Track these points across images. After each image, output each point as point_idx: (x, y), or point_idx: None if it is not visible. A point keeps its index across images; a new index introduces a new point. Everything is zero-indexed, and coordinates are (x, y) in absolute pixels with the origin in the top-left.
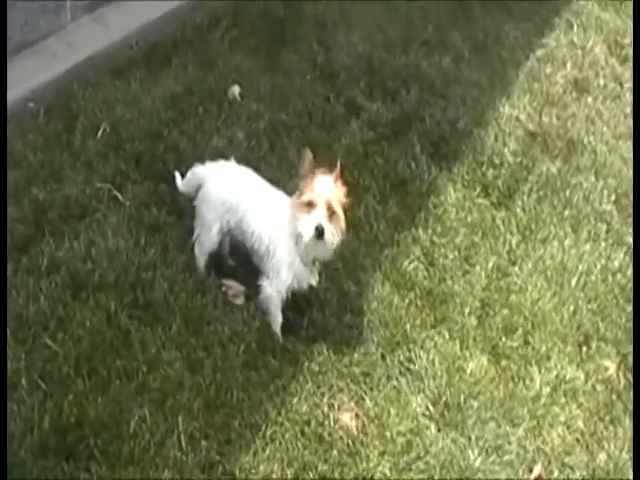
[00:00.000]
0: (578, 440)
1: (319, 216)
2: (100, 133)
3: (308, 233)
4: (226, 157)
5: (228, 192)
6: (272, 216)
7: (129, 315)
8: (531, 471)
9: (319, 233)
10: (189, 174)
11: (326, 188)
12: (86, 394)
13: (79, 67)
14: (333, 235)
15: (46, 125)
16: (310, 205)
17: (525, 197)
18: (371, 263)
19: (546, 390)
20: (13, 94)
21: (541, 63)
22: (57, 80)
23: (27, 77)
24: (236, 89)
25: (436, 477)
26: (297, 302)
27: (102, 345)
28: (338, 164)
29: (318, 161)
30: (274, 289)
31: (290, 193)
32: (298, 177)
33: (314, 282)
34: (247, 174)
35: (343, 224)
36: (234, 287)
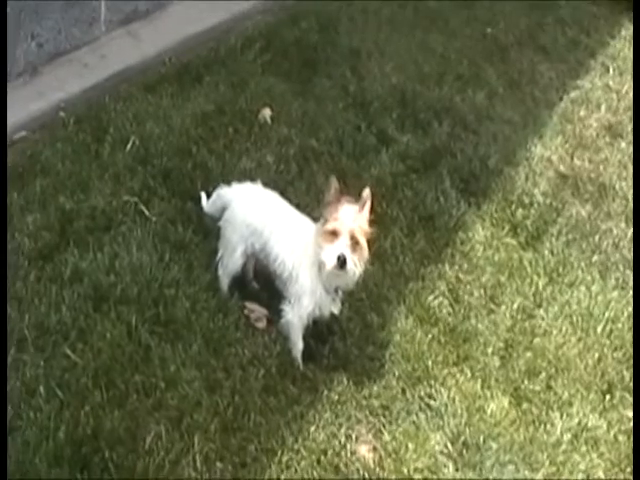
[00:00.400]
0: None
1: (342, 246)
2: (129, 146)
3: (330, 262)
4: (254, 179)
5: (253, 215)
6: (296, 242)
7: (150, 331)
8: None
9: (341, 263)
10: (214, 195)
11: (350, 217)
12: (103, 406)
13: (111, 79)
14: (355, 265)
15: (76, 135)
16: (334, 234)
17: (554, 239)
18: (395, 296)
19: (567, 437)
20: (44, 103)
21: (575, 105)
22: (89, 91)
23: (58, 86)
24: (267, 112)
25: None
26: (319, 330)
27: (121, 359)
28: (366, 192)
29: (346, 190)
30: (295, 315)
31: (317, 219)
32: (323, 204)
33: (336, 310)
34: (273, 197)
35: (366, 254)
36: (256, 310)
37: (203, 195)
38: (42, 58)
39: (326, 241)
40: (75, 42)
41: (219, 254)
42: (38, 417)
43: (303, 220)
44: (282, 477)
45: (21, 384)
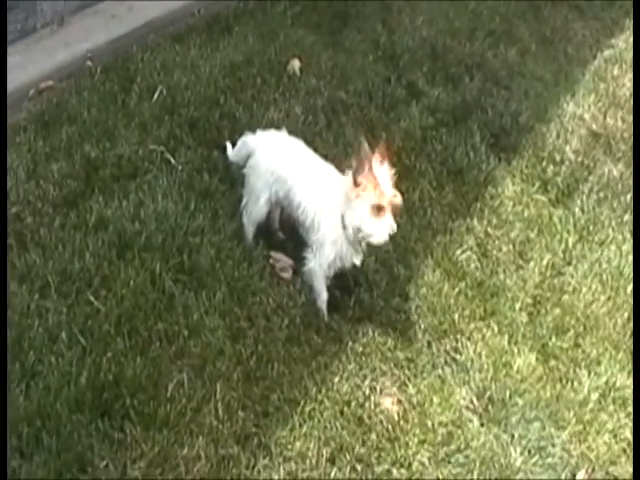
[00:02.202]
0: (624, 450)
1: (391, 220)
2: (156, 96)
3: (382, 237)
4: (281, 128)
5: (278, 162)
6: (320, 190)
7: (174, 279)
8: (574, 477)
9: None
10: (239, 143)
11: (388, 184)
12: (125, 353)
13: (138, 30)
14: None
15: (102, 84)
16: (379, 208)
17: (584, 197)
18: (423, 249)
19: (594, 395)
20: (71, 52)
21: (608, 64)
22: (116, 41)
23: (85, 37)
24: (296, 63)
25: (475, 472)
26: (345, 281)
27: (145, 306)
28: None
29: (374, 142)
30: (317, 263)
31: (344, 171)
32: (354, 162)
33: (357, 262)
34: (298, 145)
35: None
36: (282, 260)
37: (228, 144)
38: (69, 9)
39: (373, 214)
40: None
41: (244, 202)
42: (60, 363)
43: (327, 168)
44: (304, 427)
45: (44, 330)
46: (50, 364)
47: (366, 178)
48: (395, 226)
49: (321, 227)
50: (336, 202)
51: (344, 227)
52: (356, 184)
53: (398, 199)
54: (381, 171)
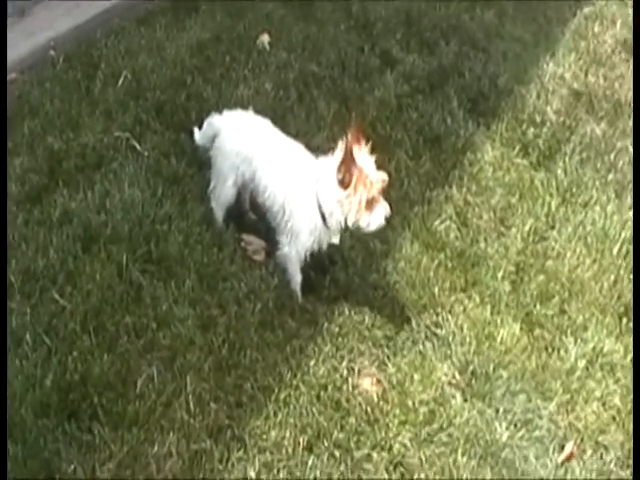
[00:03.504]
0: (614, 418)
1: (385, 208)
2: (121, 81)
3: (379, 224)
4: (248, 107)
5: (243, 142)
6: (289, 174)
7: (141, 269)
8: (562, 449)
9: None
10: (205, 124)
11: (375, 173)
12: (92, 351)
13: (102, 15)
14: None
15: (65, 73)
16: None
17: (567, 158)
18: (400, 221)
19: (581, 363)
20: (33, 43)
21: (589, 21)
22: (79, 28)
23: (47, 26)
24: (265, 38)
25: (459, 451)
26: (319, 260)
27: (111, 300)
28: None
29: (348, 114)
30: (292, 249)
31: (317, 147)
32: (338, 154)
33: (336, 241)
34: (265, 125)
35: None
36: (254, 242)
37: (195, 129)
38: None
39: (367, 208)
40: None
41: (211, 185)
42: (24, 366)
43: (297, 149)
44: (279, 415)
45: (7, 333)
46: (14, 368)
47: (352, 174)
48: (389, 208)
49: (294, 215)
50: (309, 186)
51: (323, 213)
52: (344, 184)
53: (385, 179)
54: (363, 157)
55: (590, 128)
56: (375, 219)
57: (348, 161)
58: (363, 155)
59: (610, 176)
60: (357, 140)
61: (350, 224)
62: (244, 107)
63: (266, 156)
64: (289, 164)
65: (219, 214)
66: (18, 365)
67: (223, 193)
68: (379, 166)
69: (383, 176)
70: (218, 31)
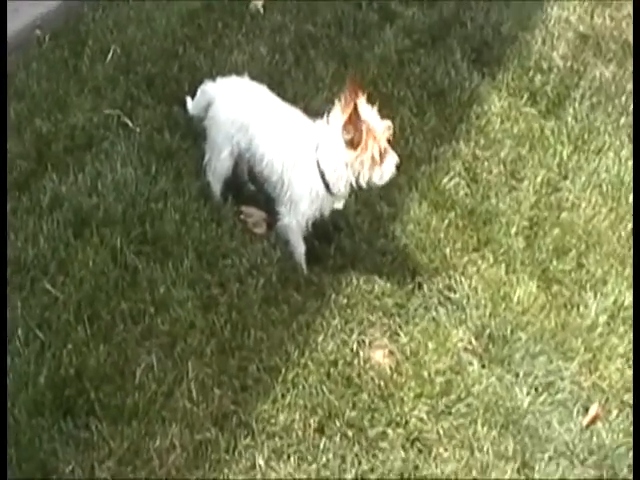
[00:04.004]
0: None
1: (393, 155)
2: (110, 56)
3: (391, 174)
4: (243, 74)
5: (238, 110)
6: (287, 141)
7: (136, 251)
8: (587, 411)
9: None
10: (198, 93)
11: (379, 124)
12: (87, 342)
13: None
14: None
15: (52, 52)
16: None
17: (577, 104)
18: (407, 181)
19: (602, 318)
20: (19, 22)
21: None
22: (66, 4)
23: (33, 3)
24: (259, 1)
25: (479, 421)
26: (323, 228)
27: (106, 287)
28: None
29: (346, 72)
30: (293, 219)
31: (317, 108)
32: (339, 108)
33: (339, 206)
34: (261, 91)
35: None
36: (255, 214)
37: (188, 99)
38: None
39: (375, 162)
40: None
41: (206, 157)
42: (17, 363)
43: (295, 115)
44: (288, 397)
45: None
46: (6, 366)
47: (361, 132)
48: (397, 157)
49: (293, 184)
50: (308, 153)
51: (326, 180)
52: (353, 144)
53: (390, 126)
54: (365, 110)
55: (599, 72)
56: (387, 170)
57: (355, 119)
58: (365, 107)
59: (622, 120)
60: (355, 94)
61: (363, 183)
62: (239, 74)
63: (262, 124)
64: (287, 131)
65: (216, 187)
66: (10, 363)
67: (219, 165)
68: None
69: (388, 124)
70: None
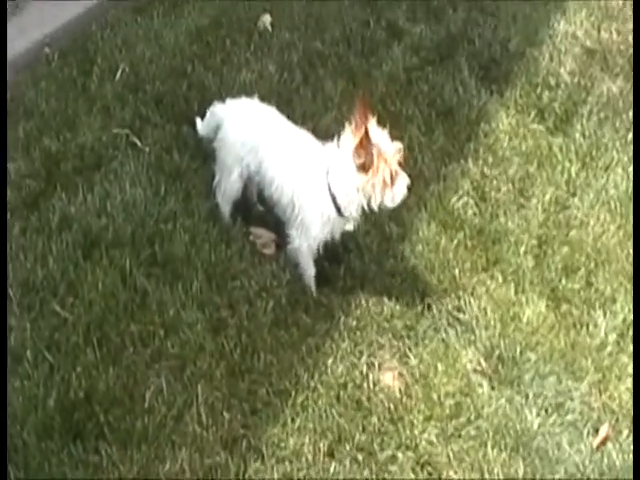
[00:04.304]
0: None
1: (404, 176)
2: (118, 75)
3: (403, 195)
4: (254, 92)
5: (247, 132)
6: (297, 165)
7: (146, 273)
8: (597, 432)
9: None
10: (208, 114)
11: (390, 147)
12: (96, 365)
13: (98, 7)
14: None
15: (60, 70)
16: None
17: (584, 120)
18: (415, 201)
19: (612, 337)
20: (27, 41)
21: None
22: (74, 22)
23: (42, 22)
24: (267, 18)
25: (489, 444)
26: (333, 249)
27: (115, 309)
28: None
29: (355, 91)
30: (304, 242)
31: (325, 128)
32: (346, 135)
33: (350, 227)
34: (270, 113)
35: None
36: (264, 235)
37: (198, 120)
38: None
39: (386, 185)
40: None
41: (216, 178)
42: (26, 386)
43: (304, 137)
44: (298, 421)
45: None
46: (15, 389)
47: (370, 155)
48: (408, 178)
49: (305, 208)
50: (319, 177)
51: (338, 204)
52: (365, 169)
53: (401, 148)
54: (375, 132)
55: (606, 87)
56: (398, 192)
57: (366, 143)
58: (375, 130)
59: (630, 135)
60: (365, 117)
61: (374, 206)
62: (247, 93)
63: (272, 146)
64: (297, 155)
65: (225, 209)
66: (19, 385)
67: (229, 187)
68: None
69: (399, 146)
70: (217, 15)
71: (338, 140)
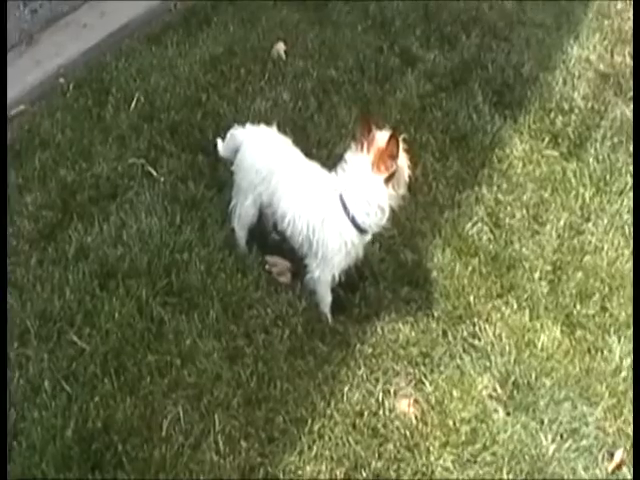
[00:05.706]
0: None
1: (405, 175)
2: (133, 104)
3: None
4: (269, 121)
5: (262, 160)
6: (310, 199)
7: (162, 303)
8: (612, 457)
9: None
10: (228, 136)
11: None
12: (114, 395)
13: (112, 37)
14: None
15: (75, 101)
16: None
17: (598, 145)
18: (430, 228)
19: (627, 362)
20: (42, 71)
21: None
22: (88, 52)
23: (56, 52)
24: (281, 47)
25: (504, 470)
26: (348, 277)
27: (132, 339)
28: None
29: (370, 116)
30: (324, 273)
31: (340, 155)
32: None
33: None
34: (285, 144)
35: None
36: (279, 264)
37: (219, 141)
38: (37, 24)
39: (387, 183)
40: (72, 3)
41: (232, 203)
42: (44, 416)
43: (315, 170)
44: (314, 448)
45: (25, 382)
46: (33, 420)
47: (392, 163)
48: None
49: (326, 241)
50: (334, 204)
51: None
52: (389, 178)
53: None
54: (380, 137)
55: (620, 111)
56: (401, 189)
57: (385, 156)
58: (380, 135)
59: None
60: (369, 130)
61: (394, 203)
62: (261, 121)
63: (284, 179)
64: (308, 188)
65: (241, 236)
66: (37, 416)
67: (244, 212)
68: None
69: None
70: (231, 43)
71: (344, 162)
